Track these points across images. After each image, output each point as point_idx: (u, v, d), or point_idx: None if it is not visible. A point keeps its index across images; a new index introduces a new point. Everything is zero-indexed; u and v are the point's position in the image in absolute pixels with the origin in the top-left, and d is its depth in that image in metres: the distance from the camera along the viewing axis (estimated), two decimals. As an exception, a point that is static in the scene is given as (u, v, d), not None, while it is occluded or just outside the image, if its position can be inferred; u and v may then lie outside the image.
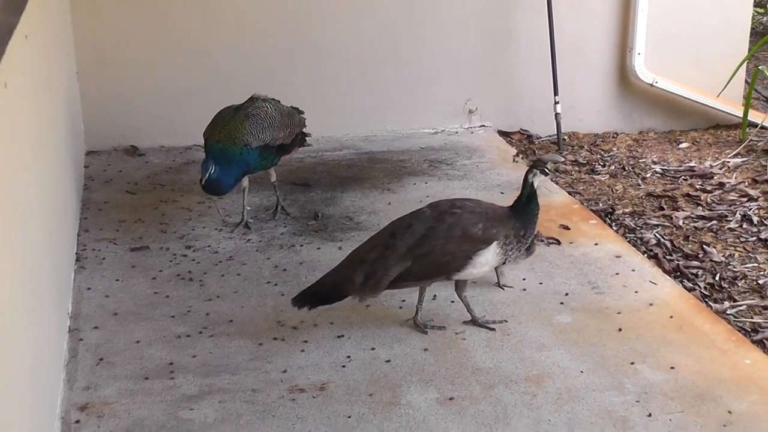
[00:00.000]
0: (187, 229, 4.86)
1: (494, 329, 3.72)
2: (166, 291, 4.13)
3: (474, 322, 3.76)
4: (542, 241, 4.40)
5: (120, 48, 6.20)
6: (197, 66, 6.29)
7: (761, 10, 10.36)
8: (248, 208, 4.85)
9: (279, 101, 5.04)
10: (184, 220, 4.98)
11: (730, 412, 3.12)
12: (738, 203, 5.28)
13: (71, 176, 4.82)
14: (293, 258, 4.47)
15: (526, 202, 3.66)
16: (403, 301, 3.96)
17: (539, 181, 3.67)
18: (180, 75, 6.29)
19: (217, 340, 3.69)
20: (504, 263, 3.75)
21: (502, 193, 5.33)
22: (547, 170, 3.69)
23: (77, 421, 3.13)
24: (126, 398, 3.26)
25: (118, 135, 6.28)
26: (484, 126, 6.74)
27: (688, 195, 5.47)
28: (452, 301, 3.93)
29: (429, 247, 3.56)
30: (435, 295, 3.99)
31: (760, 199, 5.30)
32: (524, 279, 3.90)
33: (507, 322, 3.78)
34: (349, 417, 3.14)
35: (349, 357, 3.53)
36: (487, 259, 3.60)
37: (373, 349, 3.59)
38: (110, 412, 3.18)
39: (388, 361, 3.50)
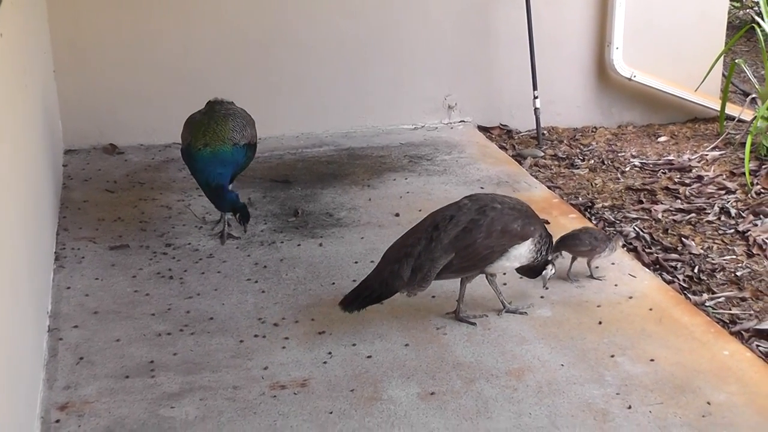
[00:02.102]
0: (167, 227, 4.85)
1: (525, 313, 3.79)
2: (147, 289, 4.11)
3: (506, 310, 3.81)
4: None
5: (98, 46, 6.17)
6: (176, 64, 6.27)
7: (737, 4, 10.42)
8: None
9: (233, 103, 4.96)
10: (164, 218, 4.97)
11: (709, 403, 3.14)
12: (716, 196, 5.31)
13: (49, 175, 4.80)
14: (273, 255, 4.47)
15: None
16: (384, 296, 3.97)
17: (550, 271, 3.85)
18: (159, 73, 6.26)
19: (197, 337, 3.68)
20: (534, 263, 3.77)
21: (482, 188, 5.34)
22: (552, 274, 3.87)
23: (57, 421, 3.12)
24: (106, 397, 3.25)
25: (97, 133, 6.25)
26: (463, 121, 6.75)
27: (666, 188, 5.50)
28: (433, 296, 3.93)
29: (470, 240, 3.59)
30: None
31: (737, 191, 5.34)
32: (504, 274, 3.91)
33: (527, 310, 3.83)
34: (331, 413, 3.14)
35: (330, 353, 3.53)
36: (521, 253, 3.68)
37: (354, 345, 3.59)
38: (90, 411, 3.17)
39: (369, 356, 3.50)
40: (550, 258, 3.85)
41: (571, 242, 4.11)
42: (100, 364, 3.47)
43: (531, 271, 3.87)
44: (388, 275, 3.60)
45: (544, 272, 3.84)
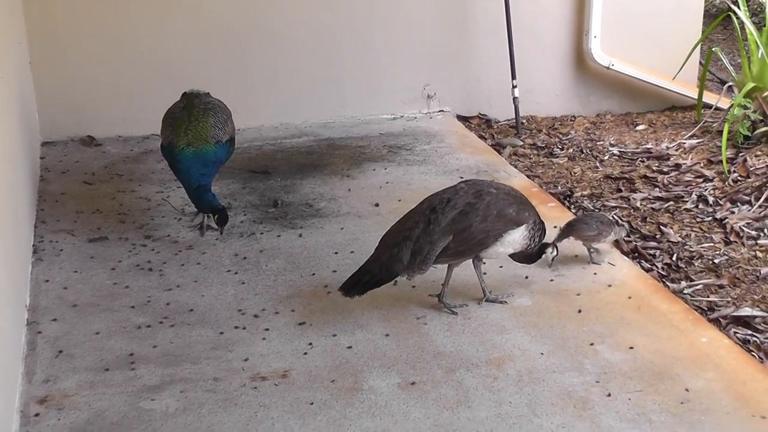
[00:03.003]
0: (146, 218, 4.83)
1: (505, 302, 3.80)
2: (126, 281, 4.10)
3: (485, 298, 3.82)
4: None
5: (74, 37, 6.13)
6: (154, 55, 6.23)
7: (715, -8, 10.46)
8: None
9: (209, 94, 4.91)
10: (143, 210, 4.95)
11: (687, 390, 3.16)
12: (694, 184, 5.34)
13: (26, 167, 4.77)
14: (253, 246, 4.46)
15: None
16: (364, 287, 3.97)
17: (548, 254, 3.91)
18: (136, 64, 6.23)
19: (177, 329, 3.67)
20: (528, 249, 3.80)
21: (461, 177, 5.34)
22: (555, 257, 3.96)
23: (37, 414, 3.10)
24: (86, 390, 3.24)
25: (75, 125, 6.22)
26: (442, 111, 6.75)
27: (645, 177, 5.53)
28: (413, 287, 3.94)
29: (467, 223, 3.60)
30: (395, 281, 3.99)
31: (715, 179, 5.37)
32: (485, 263, 3.92)
33: (507, 300, 3.85)
34: (312, 404, 3.14)
35: (310, 344, 3.53)
36: (515, 238, 3.70)
37: (334, 335, 3.59)
38: (70, 405, 3.15)
39: (349, 347, 3.50)
40: (551, 243, 3.90)
41: (578, 226, 4.15)
42: (80, 357, 3.46)
43: (526, 257, 3.89)
44: (387, 259, 3.60)
45: (545, 254, 3.88)
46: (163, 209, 4.95)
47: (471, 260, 3.80)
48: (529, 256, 3.88)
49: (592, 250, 4.18)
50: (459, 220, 3.60)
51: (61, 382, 3.29)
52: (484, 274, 3.97)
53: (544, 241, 3.86)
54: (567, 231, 4.15)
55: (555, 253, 3.93)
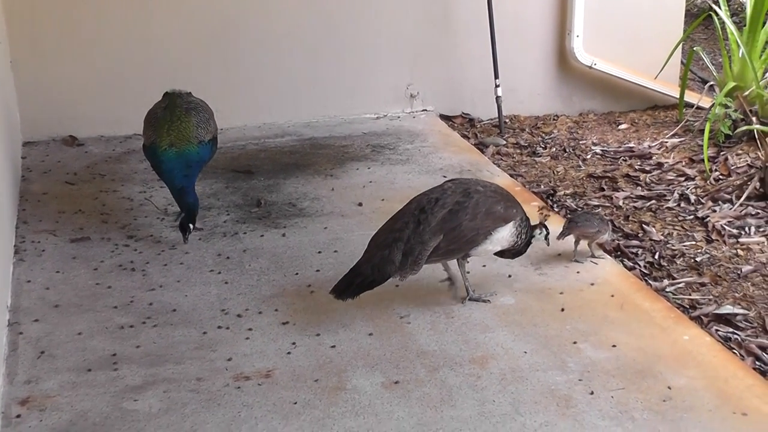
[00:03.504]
0: (129, 218, 4.81)
1: (489, 301, 3.81)
2: (108, 282, 4.08)
3: (468, 297, 3.83)
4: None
5: (56, 36, 6.10)
6: (136, 54, 6.21)
7: (696, -8, 10.51)
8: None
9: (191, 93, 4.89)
10: (126, 210, 4.93)
11: (669, 388, 3.17)
12: (676, 183, 5.37)
13: (7, 167, 4.74)
14: (236, 246, 4.45)
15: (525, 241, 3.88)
16: (348, 286, 3.97)
17: (538, 236, 3.92)
18: (119, 63, 6.21)
19: (160, 329, 3.66)
20: (512, 247, 3.82)
21: (444, 176, 5.35)
22: (546, 235, 3.95)
23: (18, 416, 3.08)
24: (68, 391, 3.22)
25: (56, 125, 6.19)
26: (425, 110, 6.76)
27: (627, 175, 5.55)
28: (396, 286, 3.94)
29: (457, 222, 3.61)
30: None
31: (696, 178, 5.40)
32: (468, 262, 3.93)
33: (490, 298, 3.85)
34: (295, 403, 3.14)
35: (294, 343, 3.53)
36: (503, 236, 3.72)
37: (318, 335, 3.59)
38: (52, 406, 3.14)
39: (333, 346, 3.50)
40: (536, 224, 3.93)
41: (582, 223, 4.17)
42: (62, 358, 3.44)
43: (515, 252, 3.91)
44: (379, 261, 3.58)
45: (534, 238, 3.90)
46: (146, 209, 4.93)
47: (456, 260, 3.81)
48: (517, 251, 3.90)
49: (592, 246, 4.21)
50: (449, 219, 3.61)
51: (42, 383, 3.27)
52: (467, 272, 3.98)
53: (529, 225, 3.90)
54: (570, 227, 4.15)
55: (545, 232, 3.93)
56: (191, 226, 4.46)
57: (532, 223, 3.91)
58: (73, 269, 4.21)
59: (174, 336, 3.60)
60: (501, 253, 3.89)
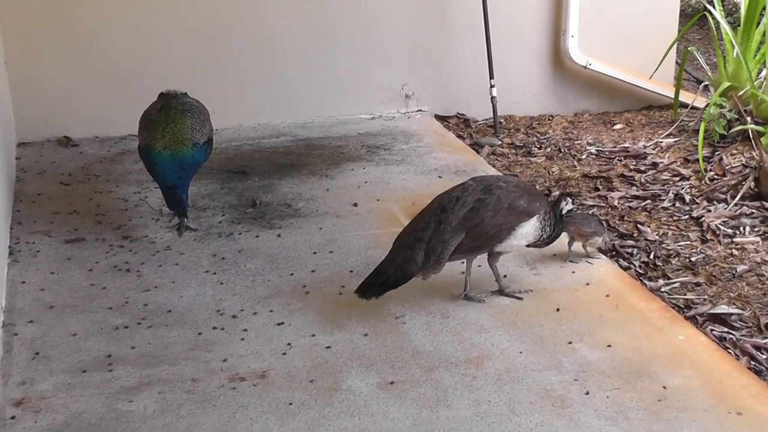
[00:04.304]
0: (124, 219, 4.80)
1: (522, 298, 3.84)
2: (103, 282, 4.08)
3: (501, 292, 3.87)
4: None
5: (50, 36, 6.10)
6: (131, 54, 6.21)
7: (691, -8, 10.53)
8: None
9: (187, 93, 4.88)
10: (120, 211, 4.92)
11: (664, 387, 3.17)
12: (671, 182, 5.38)
13: (2, 168, 4.73)
14: (232, 246, 4.45)
15: (559, 216, 3.91)
16: (343, 287, 3.97)
17: (568, 207, 3.95)
18: (114, 63, 6.20)
19: (155, 330, 3.65)
20: (539, 240, 3.84)
21: (440, 177, 5.36)
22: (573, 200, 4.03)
23: (13, 417, 3.08)
24: (63, 392, 3.22)
25: (51, 125, 6.18)
26: (421, 110, 6.76)
27: (622, 175, 5.55)
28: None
29: (479, 219, 3.64)
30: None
31: (691, 178, 5.40)
32: (462, 262, 3.93)
33: (529, 292, 3.89)
34: (291, 404, 3.13)
35: (289, 344, 3.52)
36: (528, 231, 3.74)
37: (313, 335, 3.59)
38: (47, 407, 3.13)
39: (328, 347, 3.50)
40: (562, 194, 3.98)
41: (579, 221, 4.19)
42: (57, 359, 3.44)
43: (544, 242, 3.93)
44: (401, 261, 3.62)
45: (561, 210, 3.92)
46: (141, 210, 4.93)
47: (486, 256, 3.85)
48: (547, 242, 3.93)
49: (586, 247, 4.21)
50: (470, 217, 3.64)
51: (37, 384, 3.27)
52: (462, 273, 3.98)
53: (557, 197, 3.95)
54: (567, 223, 4.14)
55: (570, 201, 3.97)
56: (185, 219, 4.48)
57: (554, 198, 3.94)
58: (67, 270, 4.21)
59: (169, 337, 3.60)
60: (532, 244, 3.93)
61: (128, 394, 3.21)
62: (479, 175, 4.00)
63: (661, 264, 4.40)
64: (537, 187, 5.37)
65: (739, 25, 6.20)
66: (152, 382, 3.28)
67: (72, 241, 4.53)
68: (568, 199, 3.96)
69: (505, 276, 4.02)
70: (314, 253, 4.34)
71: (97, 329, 3.66)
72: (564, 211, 3.94)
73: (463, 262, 3.88)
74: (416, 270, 3.62)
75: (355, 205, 4.95)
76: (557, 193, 3.92)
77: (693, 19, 6.69)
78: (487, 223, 3.65)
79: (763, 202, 4.90)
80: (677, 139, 6.10)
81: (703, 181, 5.32)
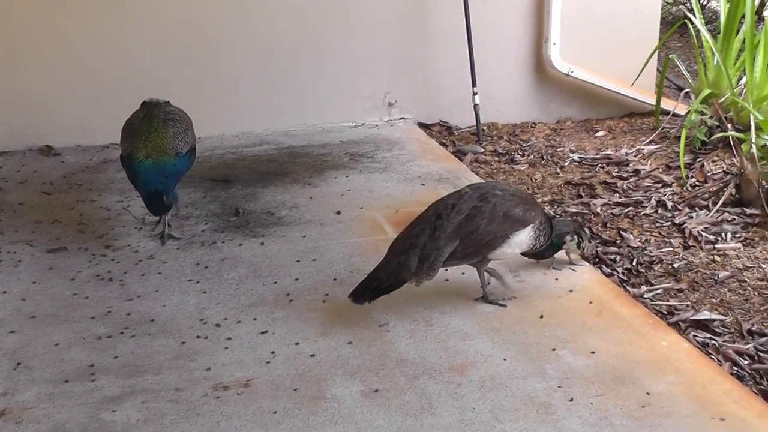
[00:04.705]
0: (106, 228, 4.78)
1: (505, 305, 3.85)
2: (86, 292, 4.06)
3: (485, 299, 3.88)
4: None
5: (31, 45, 6.07)
6: (113, 63, 6.19)
7: (670, 0, 10.60)
8: (169, 216, 4.71)
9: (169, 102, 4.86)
10: (103, 220, 4.90)
11: (648, 394, 3.18)
12: (653, 189, 5.40)
13: (-17, 177, 4.71)
14: (215, 255, 4.44)
15: (553, 241, 3.98)
16: (326, 295, 3.97)
17: (569, 245, 4.06)
18: (96, 72, 6.18)
19: (138, 340, 3.64)
20: (533, 249, 3.88)
21: (422, 184, 5.37)
22: (579, 243, 4.09)
23: (-5, 428, 3.06)
24: (45, 402, 3.20)
25: (32, 134, 6.16)
26: (404, 118, 6.77)
27: (605, 182, 5.57)
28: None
29: (473, 227, 3.65)
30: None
31: (673, 184, 5.43)
32: (446, 270, 3.93)
33: (512, 299, 3.90)
34: (275, 412, 3.12)
35: (273, 353, 3.52)
36: (522, 239, 3.76)
37: (297, 344, 3.58)
38: (29, 418, 3.11)
39: (312, 355, 3.49)
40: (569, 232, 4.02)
41: (561, 228, 4.18)
42: (39, 369, 3.41)
43: (538, 254, 3.99)
44: (395, 267, 3.62)
45: (565, 242, 3.99)
46: (124, 219, 4.91)
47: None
48: (540, 253, 3.97)
49: (569, 254, 4.23)
50: (465, 225, 3.66)
51: (19, 395, 3.25)
52: (446, 281, 3.99)
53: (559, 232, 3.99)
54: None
55: (576, 240, 4.02)
56: (168, 227, 4.53)
57: (567, 229, 4.01)
58: (49, 280, 4.19)
59: (152, 346, 3.58)
60: (524, 254, 3.95)
61: (111, 404, 3.19)
62: (474, 182, 4.02)
63: (643, 270, 4.41)
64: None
65: (719, 33, 6.24)
66: (135, 391, 3.26)
67: (54, 250, 4.51)
68: (575, 237, 4.02)
69: (488, 283, 4.03)
70: (298, 261, 4.34)
71: (79, 339, 3.64)
72: (565, 246, 4.03)
73: (463, 273, 3.87)
74: (409, 276, 3.63)
75: (339, 213, 4.95)
76: (579, 221, 3.96)
77: (673, 27, 6.72)
78: (482, 231, 3.66)
79: (745, 209, 4.93)
80: (659, 146, 6.13)
81: (684, 188, 5.34)
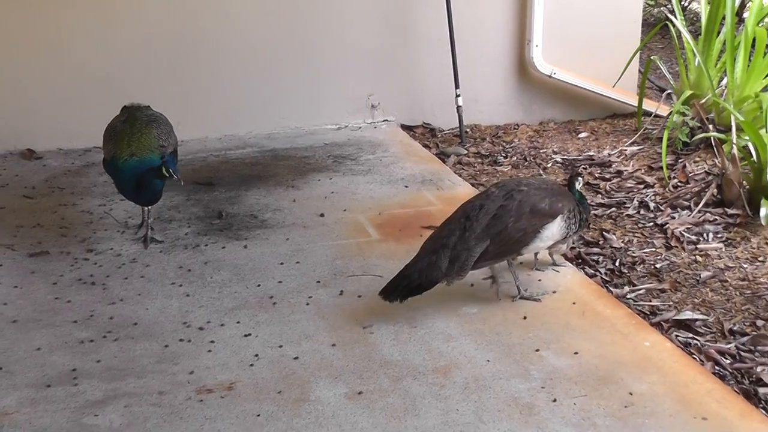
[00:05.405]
0: (89, 232, 4.76)
1: (540, 300, 3.90)
2: (68, 296, 4.04)
3: (520, 296, 3.93)
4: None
5: (11, 49, 6.05)
6: (94, 67, 6.17)
7: (652, 2, 10.66)
8: (151, 219, 4.69)
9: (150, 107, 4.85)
10: (85, 224, 4.88)
11: (631, 394, 3.20)
12: (635, 190, 5.42)
13: (-36, 181, 4.68)
14: (198, 258, 4.42)
15: (579, 199, 3.97)
16: (310, 297, 3.96)
17: (581, 185, 4.02)
18: (76, 76, 6.16)
19: (121, 343, 3.62)
20: (565, 239, 3.92)
21: (406, 186, 5.37)
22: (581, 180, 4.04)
23: (-24, 433, 3.04)
24: (27, 407, 3.18)
25: (14, 138, 6.13)
26: (387, 120, 6.77)
27: (588, 183, 5.59)
28: (359, 296, 3.94)
29: (502, 226, 3.70)
30: (342, 291, 4.01)
31: (656, 185, 5.45)
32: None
33: (541, 300, 3.92)
34: (258, 415, 3.12)
35: (257, 355, 3.51)
36: (553, 232, 3.81)
37: (280, 346, 3.57)
38: (10, 423, 3.09)
39: (296, 358, 3.49)
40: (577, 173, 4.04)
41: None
42: (20, 374, 3.40)
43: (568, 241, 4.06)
44: (426, 266, 3.65)
45: (576, 188, 3.99)
46: (106, 222, 4.89)
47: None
48: (577, 233, 4.01)
49: (552, 254, 4.24)
50: (494, 225, 3.70)
51: (0, 400, 3.22)
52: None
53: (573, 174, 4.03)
54: None
55: (581, 180, 4.02)
56: (151, 230, 4.52)
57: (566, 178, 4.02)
58: (31, 284, 4.17)
59: (135, 350, 3.57)
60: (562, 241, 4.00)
61: (94, 408, 3.17)
62: (500, 180, 4.06)
63: (626, 271, 4.43)
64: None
65: (700, 35, 6.27)
66: (118, 395, 3.25)
67: (36, 254, 4.48)
68: (579, 178, 4.01)
69: (471, 285, 4.03)
70: (281, 263, 4.33)
71: (61, 343, 3.63)
72: (580, 189, 4.01)
73: (447, 283, 3.87)
74: (440, 276, 3.66)
75: (322, 215, 4.94)
76: (568, 176, 3.99)
77: (655, 29, 6.75)
78: (510, 229, 3.71)
79: (726, 209, 4.95)
80: (641, 147, 6.16)
81: (667, 189, 5.37)
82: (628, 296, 4.16)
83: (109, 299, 4.01)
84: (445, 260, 3.65)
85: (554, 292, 4.00)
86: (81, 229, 4.81)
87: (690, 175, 5.50)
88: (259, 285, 4.11)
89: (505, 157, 6.18)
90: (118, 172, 4.43)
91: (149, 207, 4.64)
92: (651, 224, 4.94)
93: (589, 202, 4.24)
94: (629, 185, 5.52)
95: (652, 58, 6.61)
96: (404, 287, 3.66)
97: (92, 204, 5.18)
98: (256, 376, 3.37)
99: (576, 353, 3.48)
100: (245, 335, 3.66)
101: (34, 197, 5.33)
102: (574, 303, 3.90)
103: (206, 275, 4.23)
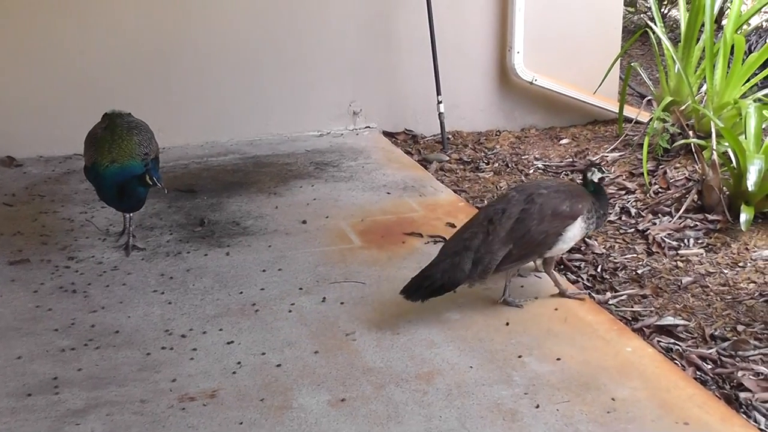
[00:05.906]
0: (70, 240, 4.74)
1: (583, 298, 3.97)
2: (49, 304, 4.01)
3: (562, 294, 3.99)
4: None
5: (-8, 55, 6.01)
6: (75, 73, 6.14)
7: (632, 9, 10.72)
8: (132, 227, 4.68)
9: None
10: (66, 231, 4.86)
11: (613, 399, 3.21)
12: (617, 196, 5.44)
13: (-57, 189, 4.65)
14: (180, 265, 4.41)
15: (596, 191, 3.98)
16: (292, 304, 3.96)
17: (597, 176, 3.99)
18: (57, 82, 6.13)
19: (103, 351, 3.60)
20: (587, 234, 3.99)
21: (388, 193, 5.37)
22: (601, 170, 4.02)
23: (-44, 443, 3.02)
24: (7, 417, 3.16)
25: (-7, 145, 6.09)
26: (369, 127, 6.78)
27: (569, 189, 5.60)
28: (342, 303, 3.94)
29: (525, 229, 3.74)
30: (324, 298, 4.00)
31: (637, 191, 5.47)
32: (469, 285, 3.93)
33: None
34: (241, 423, 3.11)
35: (239, 363, 3.50)
36: (575, 233, 3.85)
37: (263, 354, 3.56)
38: (-9, 432, 3.08)
39: (278, 365, 3.48)
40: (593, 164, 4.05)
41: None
42: (0, 383, 3.37)
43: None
44: (449, 267, 3.67)
45: (591, 179, 3.99)
46: (87, 230, 4.87)
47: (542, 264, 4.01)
48: (596, 228, 4.06)
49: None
50: (517, 229, 3.74)
51: (-19, 409, 3.21)
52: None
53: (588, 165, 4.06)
54: None
55: (596, 172, 4.00)
56: (132, 237, 4.49)
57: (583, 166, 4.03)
58: (12, 292, 4.14)
59: (117, 358, 3.55)
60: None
61: (75, 417, 3.16)
62: (518, 184, 4.08)
63: (608, 277, 4.45)
64: (486, 202, 5.41)
65: (679, 41, 6.31)
66: (100, 404, 3.23)
67: (16, 262, 4.46)
68: (594, 169, 4.01)
69: (454, 291, 4.03)
70: (263, 271, 4.32)
71: (42, 351, 3.60)
72: (596, 180, 3.99)
73: (469, 285, 3.88)
74: (463, 278, 3.68)
75: (304, 222, 4.94)
76: (583, 167, 4.02)
77: (635, 36, 6.79)
78: (533, 232, 3.74)
79: (706, 215, 4.98)
80: (622, 153, 6.19)
81: (648, 195, 5.40)
82: (610, 302, 4.17)
83: (91, 307, 3.99)
84: (469, 262, 3.68)
85: (536, 298, 4.01)
86: (62, 236, 4.79)
87: (671, 181, 5.53)
88: (241, 292, 4.10)
89: (487, 164, 6.19)
90: (99, 179, 4.41)
91: (131, 214, 4.63)
92: (632, 230, 4.96)
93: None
94: (610, 191, 5.53)
95: (632, 64, 6.65)
96: (427, 287, 3.68)
97: (73, 211, 5.15)
98: (238, 383, 3.36)
99: (558, 359, 3.48)
100: (228, 342, 3.65)
101: (14, 205, 5.30)
102: (556, 309, 3.91)
103: (188, 282, 4.22)
